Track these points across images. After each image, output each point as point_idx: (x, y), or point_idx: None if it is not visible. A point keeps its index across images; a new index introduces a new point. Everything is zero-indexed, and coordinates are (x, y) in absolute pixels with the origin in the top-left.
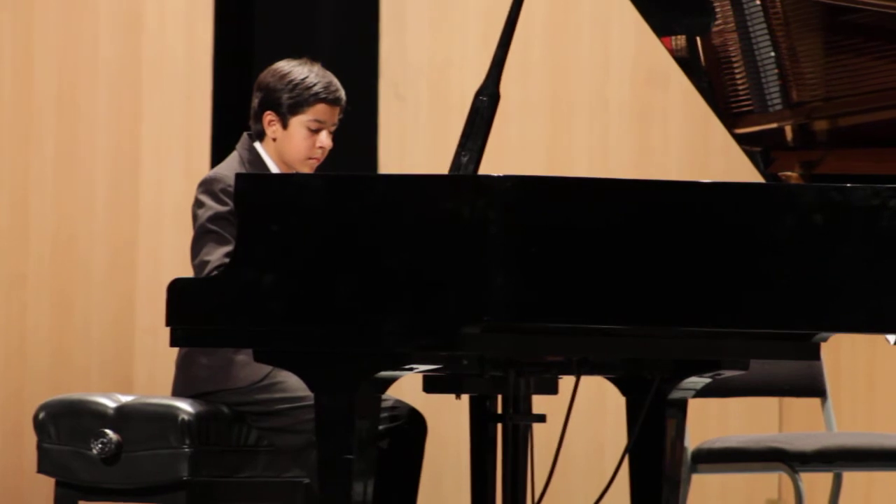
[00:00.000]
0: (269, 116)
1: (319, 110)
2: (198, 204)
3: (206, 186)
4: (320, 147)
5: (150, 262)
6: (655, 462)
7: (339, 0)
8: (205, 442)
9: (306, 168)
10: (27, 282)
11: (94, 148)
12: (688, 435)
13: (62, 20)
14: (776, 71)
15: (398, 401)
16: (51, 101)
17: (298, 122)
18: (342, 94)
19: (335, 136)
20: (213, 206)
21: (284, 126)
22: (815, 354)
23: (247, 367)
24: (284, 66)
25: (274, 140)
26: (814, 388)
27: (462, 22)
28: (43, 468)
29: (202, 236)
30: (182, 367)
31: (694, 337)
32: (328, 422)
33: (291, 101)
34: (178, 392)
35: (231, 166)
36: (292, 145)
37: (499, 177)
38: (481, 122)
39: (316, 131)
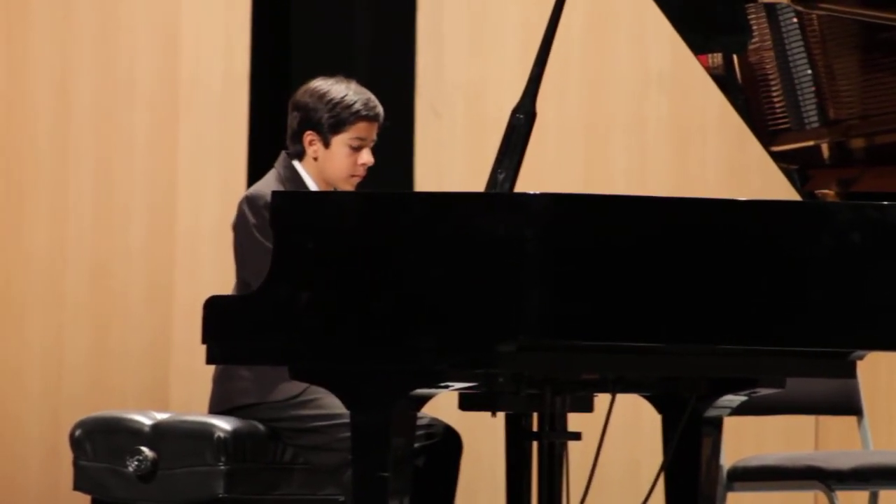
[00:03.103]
0: (309, 136)
1: (360, 128)
2: (242, 218)
3: (250, 203)
4: (363, 164)
5: (188, 282)
6: (691, 480)
7: (375, 18)
8: (241, 459)
9: (348, 186)
10: (65, 303)
11: (131, 169)
12: (723, 453)
13: (99, 42)
14: (813, 89)
15: (434, 418)
16: (88, 123)
17: (340, 141)
18: (381, 110)
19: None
20: (255, 221)
21: (326, 145)
22: (851, 372)
23: (284, 382)
24: (321, 84)
25: (315, 159)
26: (850, 406)
27: (499, 39)
28: (79, 485)
29: (261, 256)
30: (220, 380)
31: (730, 355)
32: (364, 439)
33: (333, 121)
34: (214, 405)
35: (269, 183)
36: (335, 164)
37: (535, 194)
38: (518, 140)
39: (357, 149)
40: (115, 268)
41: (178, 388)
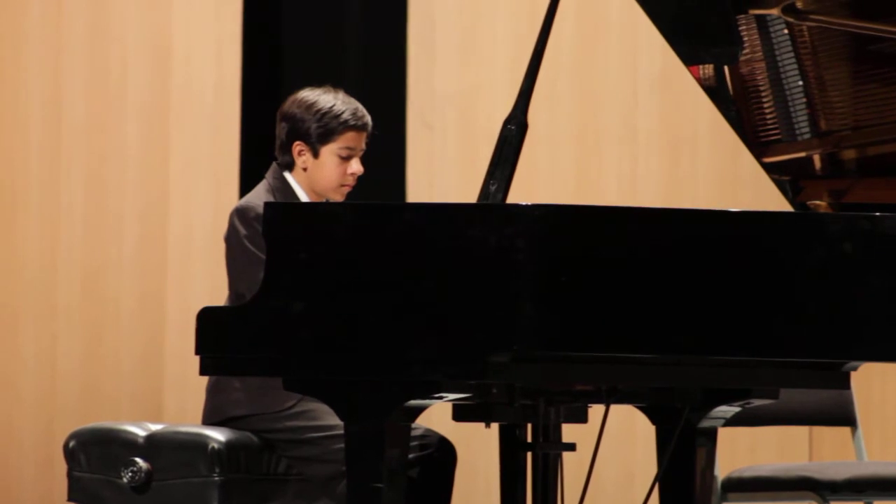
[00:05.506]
0: (298, 147)
1: (349, 138)
2: (233, 230)
3: (240, 215)
4: (352, 174)
5: (180, 292)
6: (685, 491)
7: (367, 29)
8: (235, 470)
9: (339, 196)
10: (57, 313)
11: (123, 179)
12: (718, 464)
13: (91, 52)
14: (804, 100)
15: (428, 429)
16: (80, 134)
17: (329, 151)
18: (369, 119)
19: (363, 164)
20: (246, 232)
21: (315, 155)
22: (844, 383)
23: (278, 392)
24: (309, 95)
25: (305, 170)
26: (844, 417)
27: (490, 50)
28: (73, 496)
29: (253, 266)
30: (213, 391)
31: (724, 366)
32: (358, 450)
33: (321, 131)
34: (208, 417)
35: (259, 194)
36: (324, 174)
37: (527, 205)
38: (509, 151)
39: (346, 158)
40: (108, 276)
41: (171, 395)
